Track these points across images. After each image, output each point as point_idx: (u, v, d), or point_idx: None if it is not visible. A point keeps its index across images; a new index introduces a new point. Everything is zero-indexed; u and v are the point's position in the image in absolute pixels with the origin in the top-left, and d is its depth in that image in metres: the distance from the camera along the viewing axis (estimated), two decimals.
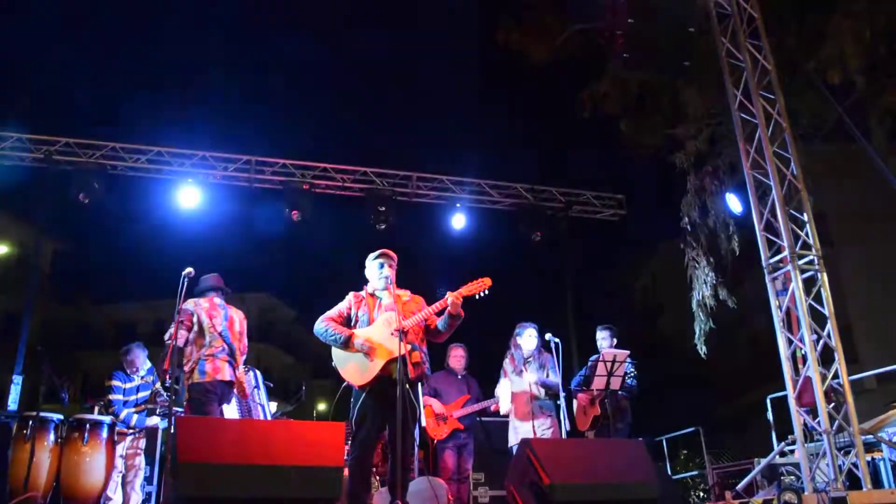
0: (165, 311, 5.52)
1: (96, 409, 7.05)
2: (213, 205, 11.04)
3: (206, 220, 11.51)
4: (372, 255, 5.62)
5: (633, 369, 7.60)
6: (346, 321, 5.45)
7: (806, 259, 6.80)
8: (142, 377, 7.08)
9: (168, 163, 10.75)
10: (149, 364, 7.16)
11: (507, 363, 7.37)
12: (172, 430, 4.11)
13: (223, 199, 11.43)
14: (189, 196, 10.60)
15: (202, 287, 6.28)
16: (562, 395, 6.94)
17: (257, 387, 6.62)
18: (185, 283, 5.44)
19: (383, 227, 10.88)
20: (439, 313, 5.35)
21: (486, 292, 5.32)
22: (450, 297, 5.26)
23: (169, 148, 10.79)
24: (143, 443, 7.07)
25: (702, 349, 12.64)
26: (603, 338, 7.91)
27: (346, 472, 5.19)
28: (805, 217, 6.95)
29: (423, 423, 7.56)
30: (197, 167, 10.83)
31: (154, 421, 7.04)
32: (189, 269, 5.49)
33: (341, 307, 5.51)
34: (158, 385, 7.05)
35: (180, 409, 6.68)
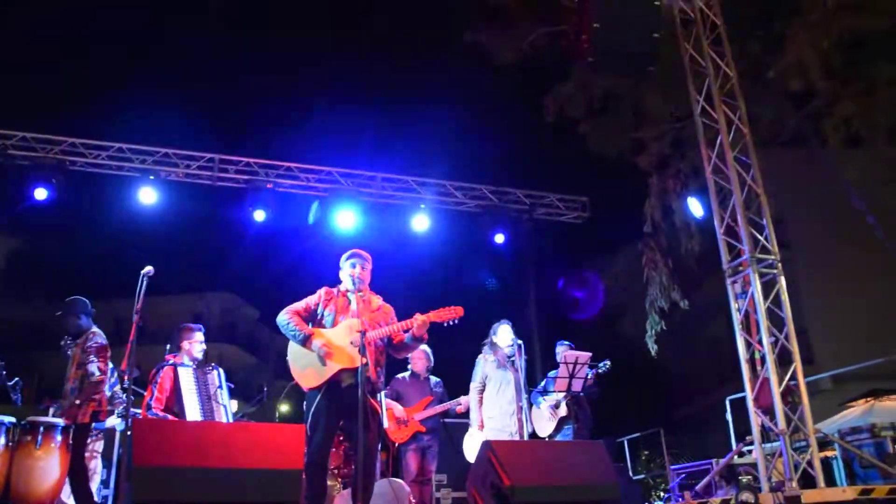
0: (124, 310, 5.42)
1: (51, 410, 6.89)
2: (175, 203, 10.88)
3: (167, 219, 11.35)
4: (345, 255, 5.53)
5: (592, 371, 7.65)
6: (311, 316, 5.38)
7: (765, 263, 6.92)
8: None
9: (129, 159, 10.56)
10: (109, 365, 7.02)
11: (485, 363, 7.32)
12: (129, 433, 4.03)
13: (185, 197, 11.27)
14: (150, 194, 10.42)
15: None
16: (525, 396, 6.95)
17: (220, 386, 6.52)
18: (144, 282, 5.34)
19: (345, 227, 10.81)
20: (405, 331, 5.30)
21: (456, 321, 5.28)
22: (418, 318, 5.21)
23: (130, 144, 10.60)
24: (100, 445, 6.93)
25: (652, 348, 12.82)
26: (562, 351, 7.96)
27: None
28: (764, 222, 7.07)
29: (386, 426, 7.52)
30: (159, 164, 10.66)
31: (112, 422, 6.90)
32: (148, 268, 5.39)
33: (309, 301, 5.43)
34: (118, 387, 6.90)
35: (138, 411, 6.57)
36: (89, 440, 6.78)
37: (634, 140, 12.57)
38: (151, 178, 10.47)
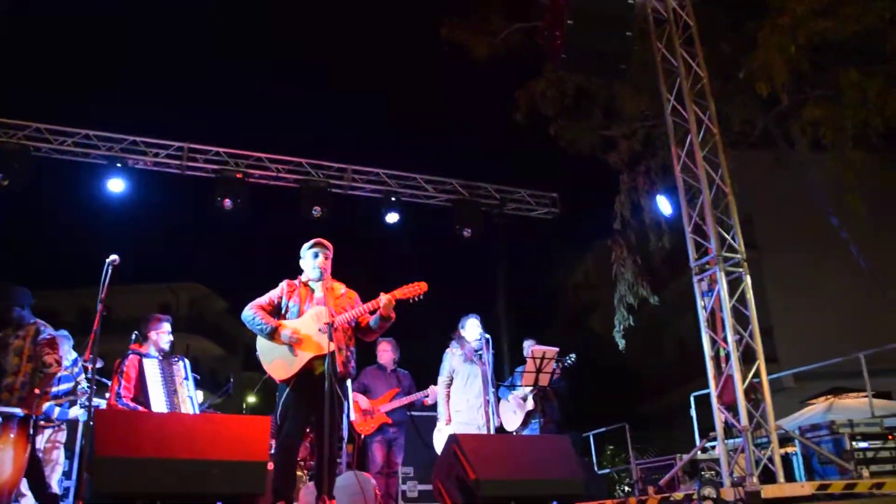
0: (89, 299, 5.34)
1: None
2: (143, 192, 10.73)
3: (134, 207, 11.19)
4: (307, 245, 5.52)
5: (559, 365, 7.70)
6: (276, 310, 5.35)
7: (731, 262, 7.00)
8: (66, 368, 6.84)
9: (96, 146, 10.35)
10: (74, 354, 6.91)
11: (453, 356, 7.34)
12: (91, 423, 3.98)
13: (153, 186, 11.13)
14: (117, 182, 10.25)
15: None
16: (492, 390, 6.98)
17: (186, 377, 6.46)
18: (109, 271, 5.27)
19: (315, 218, 10.75)
20: (371, 313, 5.30)
21: (421, 297, 5.28)
22: (383, 298, 5.22)
23: (97, 131, 10.40)
24: (62, 436, 6.83)
25: (620, 343, 12.95)
26: (529, 346, 8.01)
27: (270, 466, 5.14)
28: (732, 221, 7.15)
29: (352, 418, 7.52)
30: (126, 152, 10.48)
31: (76, 413, 6.81)
32: (114, 257, 5.32)
33: (272, 295, 5.41)
34: (82, 377, 6.81)
35: (101, 402, 6.49)
36: (51, 431, 6.70)
37: (605, 138, 12.66)
38: (119, 165, 10.29)
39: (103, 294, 5.26)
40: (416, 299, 5.28)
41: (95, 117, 10.63)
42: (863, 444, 6.52)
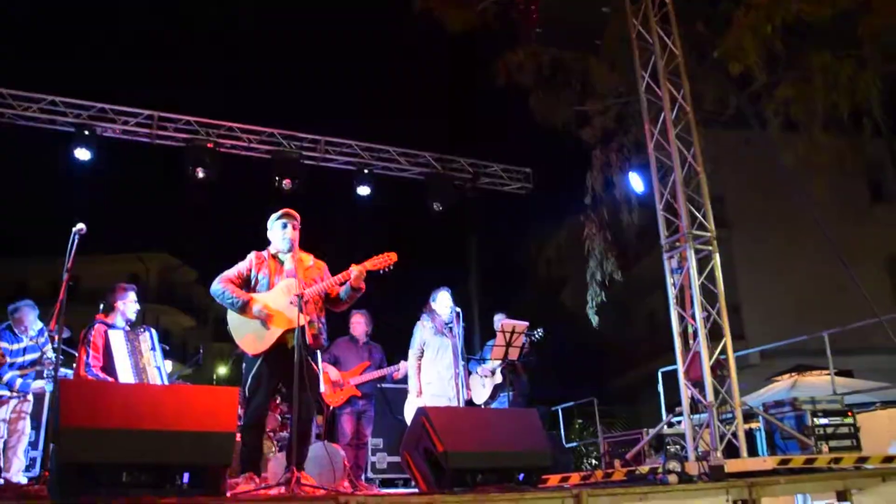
0: (58, 269, 5.26)
1: None
2: (112, 160, 10.56)
3: (103, 176, 11.03)
4: (275, 215, 5.44)
5: (528, 341, 7.75)
6: (245, 282, 5.30)
7: (701, 240, 7.05)
8: (31, 338, 6.75)
9: (63, 113, 10.14)
10: (39, 324, 6.82)
11: (423, 329, 7.36)
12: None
13: (123, 154, 10.95)
14: (85, 150, 10.06)
15: None
16: (462, 363, 7.02)
17: (153, 348, 6.39)
18: (76, 240, 5.20)
19: (287, 189, 10.66)
20: (341, 284, 5.28)
21: (391, 268, 5.27)
22: (354, 269, 5.20)
23: (64, 97, 10.20)
24: (28, 406, 6.76)
25: (594, 319, 13.04)
26: (500, 319, 8.04)
27: (239, 437, 5.13)
28: (702, 199, 7.20)
29: (322, 390, 7.52)
30: (94, 120, 10.28)
31: (41, 384, 6.73)
32: (80, 225, 5.25)
33: (241, 267, 5.35)
34: (48, 347, 6.73)
35: (68, 372, 6.43)
36: (17, 401, 6.63)
37: (579, 113, 12.65)
38: (86, 133, 10.09)
39: (70, 263, 5.20)
40: (387, 270, 5.28)
41: (62, 83, 10.41)
42: (823, 421, 6.65)
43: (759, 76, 10.49)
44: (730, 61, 10.01)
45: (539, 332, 7.77)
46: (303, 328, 4.80)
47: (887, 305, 17.81)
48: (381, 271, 5.27)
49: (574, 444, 16.05)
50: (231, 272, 5.31)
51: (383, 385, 8.22)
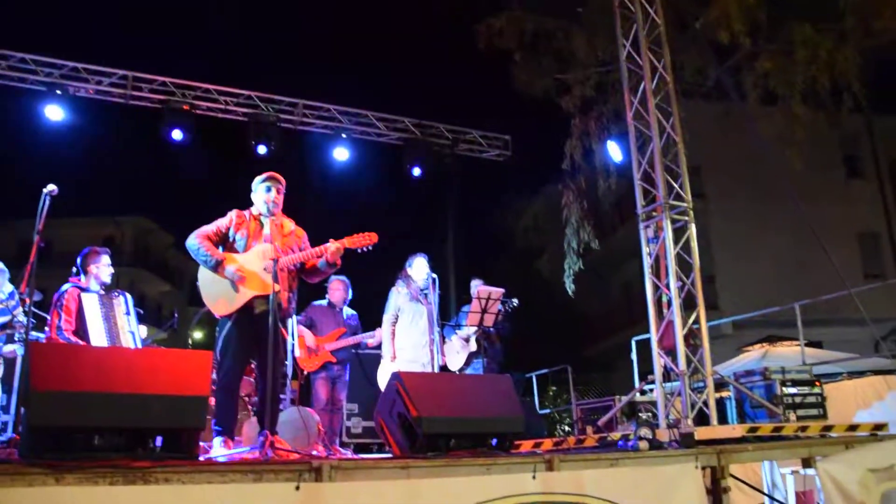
0: (27, 231, 5.18)
1: None
2: (85, 121, 10.31)
3: (77, 137, 10.81)
4: (259, 178, 5.40)
5: (503, 308, 7.78)
6: (223, 240, 5.26)
7: (677, 210, 7.09)
8: (1, 301, 6.66)
9: (33, 72, 9.87)
10: (10, 287, 6.72)
11: (398, 295, 7.36)
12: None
13: (96, 115, 10.72)
14: (56, 110, 9.81)
15: None
16: (437, 329, 7.04)
17: (127, 312, 6.34)
18: (47, 202, 5.11)
19: (264, 153, 10.55)
20: (318, 258, 5.26)
21: (370, 248, 5.25)
22: (332, 245, 5.18)
23: (35, 55, 9.91)
24: None
25: (570, 287, 13.10)
26: (477, 286, 8.06)
27: (212, 401, 5.13)
28: (680, 170, 7.22)
29: (297, 354, 7.53)
30: (67, 79, 10.04)
31: (12, 348, 6.66)
32: (51, 187, 5.16)
33: (220, 224, 5.29)
34: (19, 310, 6.64)
35: (40, 335, 6.36)
36: None
37: (560, 81, 12.60)
38: (58, 93, 9.86)
39: (40, 225, 5.12)
40: (365, 249, 5.27)
41: (33, 41, 10.15)
42: (792, 390, 6.76)
43: (743, 43, 10.47)
44: (716, 30, 9.98)
45: (513, 303, 7.80)
46: (275, 295, 4.78)
47: (857, 279, 18.13)
48: (360, 250, 5.26)
49: (548, 410, 16.25)
50: (209, 228, 5.26)
51: (359, 351, 8.23)
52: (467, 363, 7.80)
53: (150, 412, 3.55)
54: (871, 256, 21.76)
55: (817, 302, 9.28)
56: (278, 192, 5.36)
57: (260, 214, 5.35)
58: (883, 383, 8.29)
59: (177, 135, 10.31)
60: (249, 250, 5.18)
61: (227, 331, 5.08)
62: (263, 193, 5.34)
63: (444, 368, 7.44)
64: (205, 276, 5.14)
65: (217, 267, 5.07)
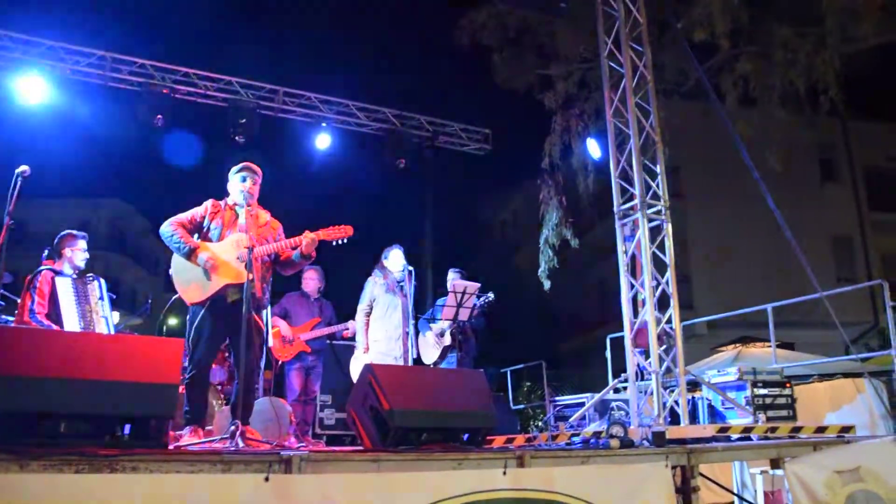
0: (0, 212, 5.10)
1: None
2: (61, 102, 10.13)
3: (52, 118, 10.61)
4: (235, 168, 5.40)
5: (479, 302, 7.78)
6: (197, 228, 5.24)
7: (654, 209, 7.12)
8: None
9: (9, 48, 9.69)
10: None
11: (374, 285, 7.34)
12: None
13: (73, 96, 10.53)
14: (33, 89, 9.64)
15: None
16: (411, 322, 7.03)
17: (101, 297, 6.27)
18: (19, 183, 5.04)
19: (242, 140, 10.46)
20: (293, 249, 5.24)
21: (345, 241, 5.25)
22: (307, 236, 5.16)
23: (10, 32, 9.71)
24: None
25: (545, 283, 13.11)
26: (453, 279, 8.06)
27: (183, 390, 5.09)
28: (658, 169, 7.25)
29: (270, 344, 7.49)
30: (44, 58, 9.88)
31: None
32: (24, 168, 5.08)
33: (195, 212, 5.28)
34: None
35: (9, 318, 6.27)
36: None
37: (541, 77, 12.60)
38: (35, 71, 9.69)
39: (11, 207, 5.05)
40: (340, 242, 5.26)
41: (8, 16, 9.96)
42: (763, 391, 6.83)
43: (724, 45, 10.53)
44: (696, 30, 10.03)
45: (489, 297, 7.80)
46: (251, 282, 4.75)
47: (830, 282, 18.33)
48: (335, 242, 5.25)
49: (522, 406, 16.27)
50: (184, 216, 5.24)
51: (333, 342, 8.21)
52: (442, 357, 7.79)
53: (118, 399, 3.50)
54: (843, 260, 22.06)
55: (790, 304, 9.37)
56: (254, 182, 5.35)
57: (235, 204, 5.33)
58: (852, 386, 8.41)
59: (155, 119, 10.18)
60: (224, 239, 5.16)
61: (198, 319, 5.05)
62: (238, 183, 5.33)
63: (417, 361, 7.43)
64: (178, 264, 5.12)
65: (190, 254, 5.05)
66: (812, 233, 19.43)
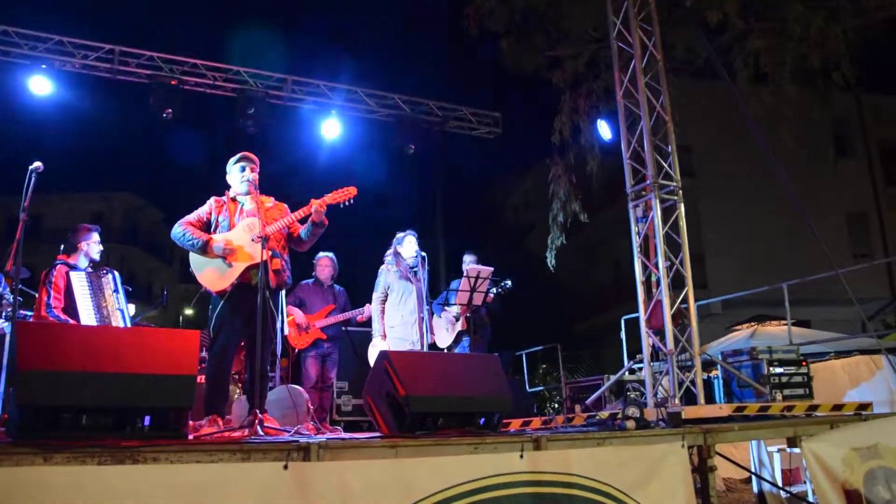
0: (15, 207, 5.14)
1: None
2: (71, 96, 10.17)
3: (63, 113, 10.66)
4: (233, 159, 5.46)
5: (495, 288, 7.78)
6: (206, 227, 5.31)
7: (666, 189, 7.09)
8: None
9: (17, 44, 9.70)
10: None
11: (388, 273, 7.36)
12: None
13: (82, 90, 10.58)
14: (42, 84, 9.67)
15: None
16: (426, 308, 7.05)
17: (116, 290, 6.32)
18: (33, 179, 5.07)
19: (253, 129, 10.47)
20: (303, 220, 5.29)
21: (352, 201, 5.30)
22: (314, 204, 5.21)
23: (18, 28, 9.72)
24: None
25: (551, 262, 13.02)
26: (469, 262, 8.07)
27: (201, 380, 5.14)
28: (669, 149, 7.21)
29: (286, 332, 7.54)
30: (52, 52, 9.90)
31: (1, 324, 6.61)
32: (37, 164, 5.11)
33: (201, 212, 5.36)
34: (7, 289, 6.60)
35: (28, 313, 6.34)
36: None
37: (550, 58, 12.49)
38: (44, 66, 9.72)
39: (26, 203, 5.08)
40: (347, 203, 5.31)
41: (17, 13, 9.98)
42: (779, 370, 6.81)
43: (736, 23, 10.40)
44: (707, 10, 9.92)
45: (507, 284, 7.78)
46: (266, 265, 4.80)
47: (846, 259, 18.23)
48: (342, 205, 5.31)
49: (538, 388, 16.30)
50: (191, 216, 5.33)
51: (348, 328, 8.25)
52: (456, 341, 7.81)
53: (137, 391, 3.55)
54: (859, 236, 21.88)
55: (805, 282, 9.32)
56: (252, 170, 5.40)
57: (237, 195, 5.40)
58: (870, 363, 8.37)
59: (164, 111, 10.20)
60: (234, 227, 5.21)
61: (221, 308, 5.11)
62: (238, 173, 5.40)
63: (433, 346, 7.46)
64: (196, 260, 5.19)
65: (205, 248, 5.11)
66: (827, 209, 19.30)
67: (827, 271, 8.75)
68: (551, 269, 13.03)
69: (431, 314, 7.69)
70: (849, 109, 21.69)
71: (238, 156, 5.43)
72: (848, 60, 10.46)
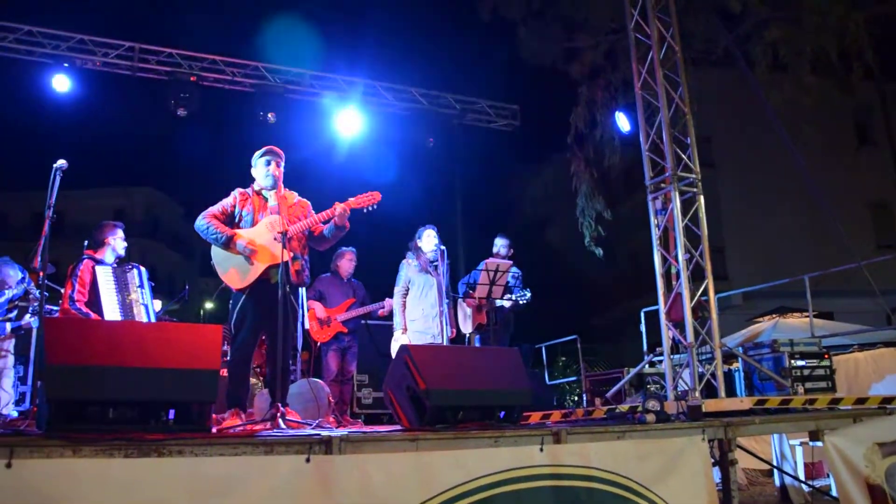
0: (41, 203, 5.22)
1: None
2: (93, 93, 10.30)
3: (85, 110, 10.78)
4: (258, 153, 5.46)
5: (518, 283, 7.77)
6: (230, 219, 5.32)
7: (686, 181, 7.05)
8: (9, 288, 6.68)
9: (40, 44, 9.84)
10: (19, 275, 6.73)
11: (408, 267, 7.38)
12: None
13: (104, 87, 10.69)
14: (64, 81, 9.81)
15: None
16: (446, 301, 7.06)
17: (141, 285, 6.38)
18: (58, 177, 5.13)
19: (274, 119, 10.51)
20: (325, 222, 5.29)
21: (375, 207, 5.29)
22: (338, 207, 5.21)
23: (41, 28, 9.87)
24: (10, 344, 6.73)
25: (597, 252, 12.97)
26: (501, 245, 8.06)
27: (224, 373, 5.19)
28: (689, 140, 7.16)
29: (307, 326, 7.59)
30: (73, 51, 10.02)
31: (27, 320, 6.71)
32: (62, 162, 5.17)
33: (225, 203, 5.36)
34: (32, 285, 6.68)
35: (54, 308, 6.42)
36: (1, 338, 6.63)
37: (568, 49, 12.44)
38: (66, 65, 9.85)
39: (52, 200, 5.14)
40: (371, 209, 5.30)
41: (39, 13, 10.11)
42: (800, 363, 6.75)
43: (759, 8, 10.30)
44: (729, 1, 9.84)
45: (526, 296, 7.73)
46: (286, 264, 4.83)
47: (870, 249, 18.03)
48: (366, 209, 5.30)
49: (557, 381, 16.30)
50: (215, 208, 5.33)
51: (368, 321, 8.29)
52: (478, 330, 7.82)
53: (161, 386, 3.60)
54: (883, 226, 21.63)
55: (828, 273, 9.23)
56: (277, 164, 5.40)
57: (262, 189, 5.40)
58: (894, 355, 8.28)
59: (183, 107, 10.29)
60: (257, 224, 5.23)
61: (242, 303, 5.14)
62: (263, 167, 5.39)
63: (453, 340, 7.48)
64: (218, 254, 5.21)
65: (228, 243, 5.14)
66: (849, 199, 19.09)
67: (849, 262, 8.67)
68: (599, 257, 12.95)
69: (455, 301, 7.71)
70: (870, 98, 21.42)
71: (264, 149, 5.43)
72: (869, 48, 10.34)
